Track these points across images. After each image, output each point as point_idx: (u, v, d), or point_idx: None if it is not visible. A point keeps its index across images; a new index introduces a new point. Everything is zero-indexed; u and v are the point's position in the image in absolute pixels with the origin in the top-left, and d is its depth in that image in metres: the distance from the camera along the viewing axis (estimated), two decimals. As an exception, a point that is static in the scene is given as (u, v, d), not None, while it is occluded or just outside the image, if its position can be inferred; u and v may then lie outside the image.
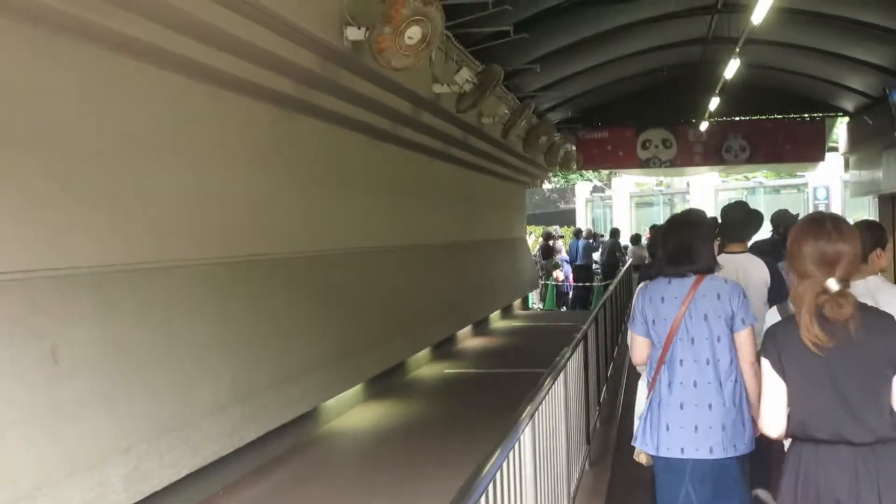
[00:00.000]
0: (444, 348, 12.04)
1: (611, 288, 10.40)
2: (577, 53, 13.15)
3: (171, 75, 5.48)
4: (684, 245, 3.81)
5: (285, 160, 7.20)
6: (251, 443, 6.20)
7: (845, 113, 18.08)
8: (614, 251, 20.03)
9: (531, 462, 3.46)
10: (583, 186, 34.56)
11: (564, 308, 20.47)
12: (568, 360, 4.83)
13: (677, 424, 3.70)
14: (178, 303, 5.61)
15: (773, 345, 2.87)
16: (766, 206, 22.61)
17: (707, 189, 30.03)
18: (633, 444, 3.93)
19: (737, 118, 18.46)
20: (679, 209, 19.14)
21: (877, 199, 17.56)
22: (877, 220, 15.67)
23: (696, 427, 3.68)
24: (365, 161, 9.05)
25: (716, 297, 3.74)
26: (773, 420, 2.88)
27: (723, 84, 14.80)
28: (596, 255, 21.28)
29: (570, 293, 21.10)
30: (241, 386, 6.13)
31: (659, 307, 3.79)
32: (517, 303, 18.08)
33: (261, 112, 6.71)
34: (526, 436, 3.39)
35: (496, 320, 15.79)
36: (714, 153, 18.63)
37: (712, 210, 21.25)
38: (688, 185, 30.69)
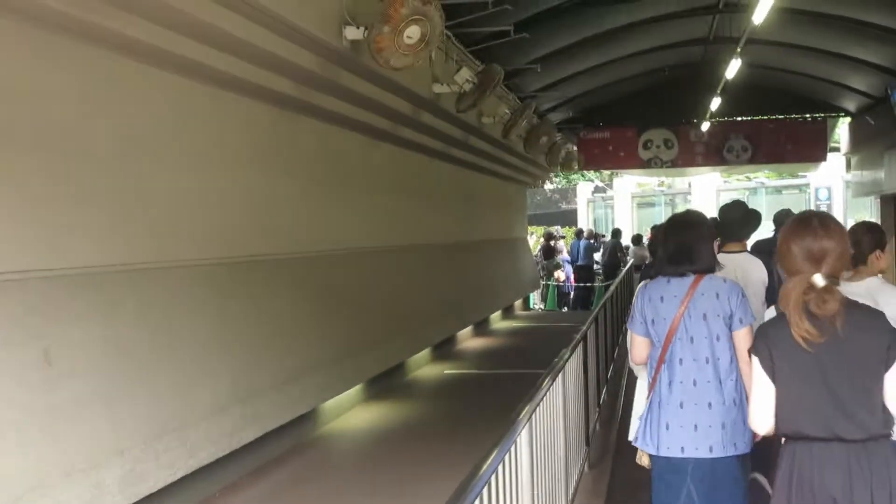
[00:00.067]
0: (444, 349, 12.03)
1: (612, 288, 10.38)
2: (578, 53, 13.13)
3: (172, 76, 5.48)
4: (685, 245, 3.81)
5: (285, 160, 7.20)
6: (250, 443, 6.20)
7: (847, 113, 18.06)
8: (615, 251, 20.00)
9: (528, 463, 3.46)
10: (584, 187, 34.55)
11: (566, 308, 20.46)
12: (566, 360, 4.82)
13: (677, 423, 3.70)
14: (179, 303, 5.61)
15: (765, 342, 2.89)
16: (767, 206, 22.64)
17: (709, 189, 30.00)
18: (633, 443, 3.93)
19: (738, 118, 18.45)
20: (681, 209, 19.10)
21: (879, 200, 17.53)
22: (878, 220, 15.72)
23: (695, 426, 3.67)
24: (365, 161, 9.05)
25: (715, 297, 3.73)
26: (761, 418, 2.91)
27: (724, 84, 14.79)
28: (597, 256, 21.28)
29: (572, 294, 21.10)
30: (241, 386, 6.13)
31: (658, 306, 3.79)
32: (518, 303, 18.06)
33: (260, 112, 6.71)
34: (523, 437, 3.39)
35: (497, 321, 15.76)
36: (716, 153, 18.61)
37: (714, 210, 21.20)
38: (689, 185, 30.67)
